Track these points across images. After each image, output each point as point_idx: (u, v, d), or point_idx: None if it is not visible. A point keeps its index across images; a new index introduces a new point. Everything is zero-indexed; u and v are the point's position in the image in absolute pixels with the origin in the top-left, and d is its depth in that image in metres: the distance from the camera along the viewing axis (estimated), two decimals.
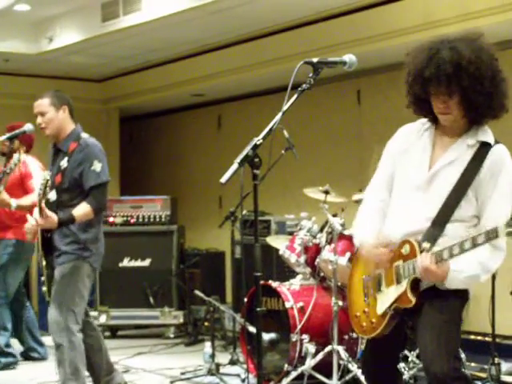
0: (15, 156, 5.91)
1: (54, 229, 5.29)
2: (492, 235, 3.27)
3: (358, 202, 5.73)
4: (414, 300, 3.54)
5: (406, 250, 3.59)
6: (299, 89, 3.45)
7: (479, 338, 6.77)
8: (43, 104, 5.50)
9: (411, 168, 3.68)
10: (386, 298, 3.65)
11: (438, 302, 3.55)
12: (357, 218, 3.89)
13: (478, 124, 3.59)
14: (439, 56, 3.47)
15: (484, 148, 3.56)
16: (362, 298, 3.83)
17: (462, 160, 3.57)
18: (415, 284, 3.57)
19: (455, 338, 3.58)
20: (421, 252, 3.51)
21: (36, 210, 5.17)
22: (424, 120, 3.76)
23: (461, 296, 3.62)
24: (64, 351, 5.30)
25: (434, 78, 3.47)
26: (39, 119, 5.52)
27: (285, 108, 3.39)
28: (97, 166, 5.36)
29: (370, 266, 3.77)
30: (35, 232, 5.42)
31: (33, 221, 5.15)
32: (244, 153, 3.28)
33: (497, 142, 3.61)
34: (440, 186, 3.58)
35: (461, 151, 3.58)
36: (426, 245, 3.51)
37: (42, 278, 5.57)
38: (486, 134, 3.60)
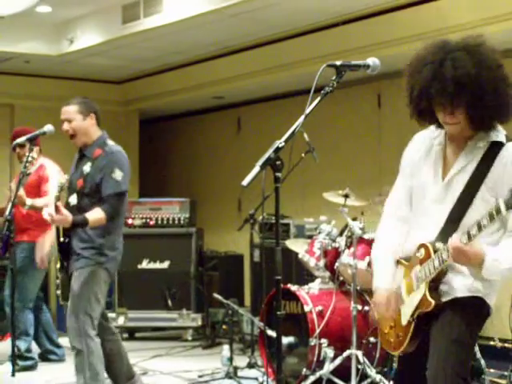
0: (27, 156, 5.96)
1: (69, 230, 5.35)
2: None
3: (379, 205, 5.72)
4: (433, 302, 3.46)
5: (421, 253, 3.54)
6: (322, 92, 3.40)
7: (499, 344, 6.71)
8: (70, 111, 5.52)
9: (426, 182, 3.61)
10: (409, 306, 3.60)
11: (452, 316, 3.46)
12: (376, 238, 3.82)
13: (486, 129, 3.51)
14: (442, 72, 3.38)
15: (495, 147, 3.47)
16: None
17: (473, 162, 3.49)
18: (434, 286, 3.50)
19: (463, 360, 3.46)
20: (434, 252, 3.45)
21: (52, 207, 5.21)
22: (434, 127, 3.66)
23: (479, 311, 3.52)
24: (83, 356, 5.33)
25: (439, 95, 3.41)
26: (66, 125, 5.53)
27: (307, 111, 3.35)
28: (118, 175, 5.37)
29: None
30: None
31: (48, 216, 5.16)
32: (266, 156, 3.25)
33: (509, 139, 3.51)
34: (455, 193, 3.51)
35: (473, 154, 3.51)
36: (439, 245, 3.45)
37: (57, 281, 5.59)
38: (498, 134, 3.51)
